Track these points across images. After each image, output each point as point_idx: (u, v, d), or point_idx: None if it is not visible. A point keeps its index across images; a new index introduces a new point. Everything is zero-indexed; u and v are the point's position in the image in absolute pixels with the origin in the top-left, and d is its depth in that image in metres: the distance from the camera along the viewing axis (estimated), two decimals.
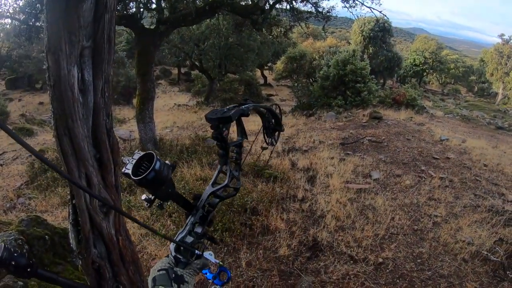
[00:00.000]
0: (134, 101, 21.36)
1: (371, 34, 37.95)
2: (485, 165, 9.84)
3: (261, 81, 39.21)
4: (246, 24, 13.37)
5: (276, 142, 2.53)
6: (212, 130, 1.56)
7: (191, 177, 7.51)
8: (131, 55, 29.29)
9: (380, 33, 37.77)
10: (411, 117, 16.26)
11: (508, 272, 4.87)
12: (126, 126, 17.38)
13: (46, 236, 4.50)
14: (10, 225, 4.64)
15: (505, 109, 36.03)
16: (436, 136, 12.61)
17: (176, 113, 21.17)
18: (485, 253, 5.21)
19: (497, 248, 5.32)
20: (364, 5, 10.63)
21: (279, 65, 35.91)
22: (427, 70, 51.23)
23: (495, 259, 5.09)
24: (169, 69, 43.09)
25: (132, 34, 11.51)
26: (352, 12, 10.71)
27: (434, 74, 54.65)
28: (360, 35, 38.94)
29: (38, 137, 16.25)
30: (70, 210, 3.00)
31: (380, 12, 10.74)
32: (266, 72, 43.86)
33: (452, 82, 56.94)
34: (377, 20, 10.32)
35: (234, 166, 1.80)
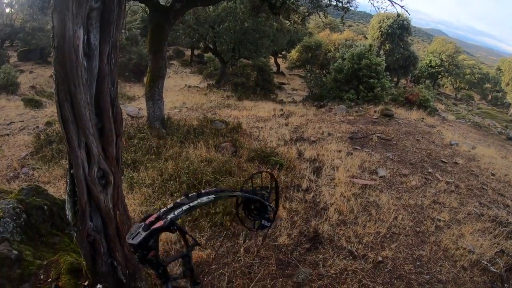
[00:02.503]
0: (145, 79, 21.34)
1: (389, 30, 37.36)
2: (492, 174, 9.66)
3: (274, 68, 38.85)
4: (263, 8, 13.10)
5: (270, 225, 2.39)
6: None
7: (196, 158, 7.43)
8: (145, 34, 29.10)
9: (398, 30, 37.17)
10: (423, 118, 16.03)
11: (506, 285, 4.82)
12: (135, 104, 17.26)
13: (45, 206, 4.47)
14: (11, 193, 4.58)
15: None
16: (446, 139, 12.43)
17: (186, 94, 21.06)
18: (485, 263, 5.14)
19: (497, 260, 5.26)
20: None
21: (294, 53, 35.57)
22: (442, 73, 50.52)
23: (494, 270, 5.03)
24: (182, 50, 42.89)
25: (147, 10, 11.34)
26: (373, 4, 10.40)
27: (449, 78, 53.91)
28: (378, 30, 38.35)
29: (47, 109, 16.23)
30: (68, 180, 2.95)
31: (402, 7, 10.44)
32: (279, 60, 43.48)
33: (466, 88, 56.12)
34: (398, 15, 10.02)
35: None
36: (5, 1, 36.71)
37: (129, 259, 3.36)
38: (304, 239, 5.16)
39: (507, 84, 48.10)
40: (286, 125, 13.06)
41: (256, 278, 4.19)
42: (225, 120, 12.16)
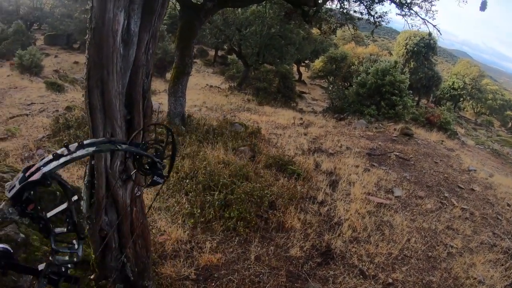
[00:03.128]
0: (168, 75, 21.47)
1: (415, 48, 37.06)
2: (508, 205, 9.41)
3: (296, 76, 38.92)
4: (295, 16, 13.14)
5: (163, 181, 2.21)
6: None
7: (214, 159, 7.46)
8: (171, 30, 29.39)
9: (424, 49, 36.85)
10: (442, 141, 15.82)
11: None
12: (155, 98, 17.36)
13: (58, 192, 4.38)
14: None
15: None
16: (465, 165, 12.21)
17: (207, 93, 21.20)
18: None
19: None
20: (418, 15, 10.27)
21: (317, 63, 35.54)
22: (464, 96, 49.73)
23: None
24: (206, 50, 43.25)
25: (177, 7, 11.45)
26: (407, 21, 10.36)
27: (471, 101, 53.01)
28: (404, 47, 38.07)
29: (68, 94, 16.45)
30: (87, 171, 2.86)
31: (434, 26, 10.38)
32: (302, 69, 43.47)
33: (487, 113, 55.11)
34: (429, 35, 9.92)
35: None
36: None
37: (139, 256, 3.32)
38: (316, 253, 5.15)
39: None
40: (305, 134, 13.07)
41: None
42: (244, 123, 12.21)
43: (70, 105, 12.65)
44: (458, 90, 48.33)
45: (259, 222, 5.48)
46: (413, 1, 10.29)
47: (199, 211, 5.31)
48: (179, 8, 10.58)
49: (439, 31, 10.50)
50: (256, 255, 4.83)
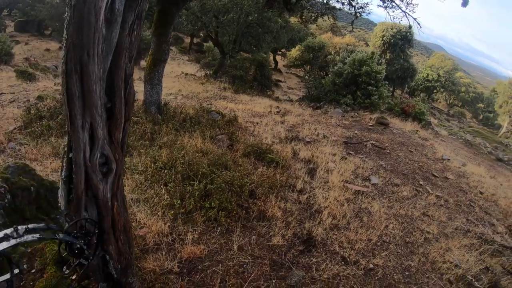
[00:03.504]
0: (142, 62, 20.95)
1: (392, 40, 37.64)
2: (480, 193, 9.88)
3: (272, 65, 38.91)
4: (277, 3, 13.00)
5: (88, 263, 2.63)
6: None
7: (191, 148, 7.36)
8: (147, 16, 28.69)
9: (400, 41, 37.50)
10: (417, 130, 16.21)
11: None
12: None
13: (32, 188, 4.17)
14: None
15: (507, 142, 36.26)
16: (438, 154, 12.60)
17: (182, 81, 20.81)
18: (470, 278, 5.26)
19: (482, 276, 5.39)
20: (399, 7, 10.38)
21: (294, 52, 35.57)
22: (438, 88, 51.20)
23: (478, 286, 5.16)
24: (181, 37, 42.65)
25: None
26: (388, 13, 10.44)
27: (444, 93, 54.68)
28: (381, 39, 38.59)
29: (39, 83, 15.73)
30: (64, 165, 2.68)
31: (415, 19, 10.52)
32: (278, 58, 43.48)
33: (459, 105, 57.00)
34: (409, 27, 10.00)
35: None
36: None
37: (122, 253, 3.16)
38: (298, 241, 5.17)
39: (500, 106, 49.04)
40: (282, 123, 13.05)
41: (250, 278, 4.16)
42: (221, 112, 12.06)
43: (41, 95, 12.05)
44: (432, 82, 49.74)
45: (240, 212, 5.43)
46: None
47: (179, 202, 5.19)
48: None
49: (419, 24, 10.67)
50: (238, 245, 4.79)
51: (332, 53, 32.98)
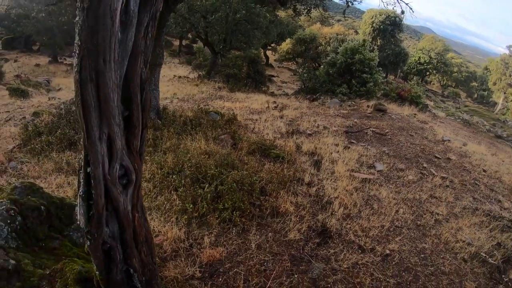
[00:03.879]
0: None
1: (381, 26, 37.87)
2: (484, 171, 10.02)
3: (263, 61, 38.87)
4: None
5: None
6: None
7: (196, 150, 7.36)
8: None
9: (390, 26, 37.71)
10: (415, 114, 16.29)
11: (503, 276, 5.08)
12: None
13: (42, 207, 4.01)
14: (1, 191, 4.06)
15: (504, 119, 36.57)
16: (439, 135, 12.69)
17: (176, 84, 20.76)
18: (484, 255, 5.38)
19: (494, 252, 5.51)
20: None
21: (285, 45, 35.56)
22: (430, 70, 51.43)
23: (492, 262, 5.28)
24: (170, 40, 42.42)
25: None
26: (383, 1, 10.51)
27: (437, 75, 54.92)
28: (370, 26, 38.77)
29: (33, 99, 15.75)
30: (82, 181, 2.55)
31: (407, 4, 10.61)
32: (268, 53, 43.43)
33: (453, 86, 57.24)
34: (402, 12, 9.97)
35: None
36: None
37: (145, 264, 3.08)
38: (313, 233, 5.23)
39: (494, 84, 49.40)
40: (281, 117, 13.08)
41: (272, 275, 4.20)
42: (219, 111, 12.07)
43: (37, 111, 12.01)
44: (424, 64, 49.99)
45: (254, 210, 5.48)
46: None
47: (191, 206, 5.21)
48: None
49: (411, 9, 10.76)
50: (256, 243, 4.84)
51: (323, 43, 33.06)
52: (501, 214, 7.12)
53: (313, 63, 29.40)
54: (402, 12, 10.62)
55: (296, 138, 10.14)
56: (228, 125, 10.17)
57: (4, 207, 3.71)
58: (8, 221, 3.63)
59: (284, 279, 4.22)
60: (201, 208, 5.20)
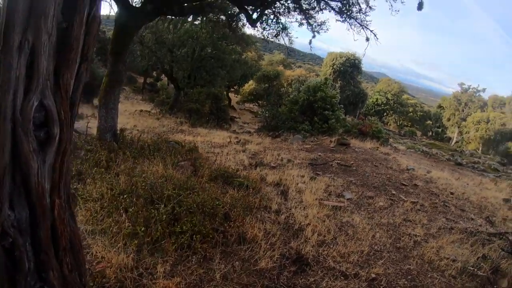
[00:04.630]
0: (95, 101, 19.94)
1: (342, 68, 39.34)
2: (451, 193, 10.17)
3: (226, 102, 38.93)
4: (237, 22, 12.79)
5: None
6: None
7: (152, 175, 6.47)
8: (100, 52, 27.60)
9: (350, 68, 39.25)
10: (377, 147, 16.39)
11: (495, 286, 4.97)
12: (83, 122, 15.83)
13: None
14: None
15: (461, 149, 38.32)
16: (403, 165, 12.73)
17: (137, 117, 19.91)
18: (471, 269, 5.24)
19: (482, 264, 5.44)
20: (357, 22, 10.55)
21: (247, 87, 35.95)
22: (387, 111, 53.80)
23: (482, 274, 5.18)
24: (135, 77, 41.72)
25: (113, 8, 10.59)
26: (349, 23, 10.65)
27: (393, 115, 57.39)
28: (331, 68, 40.20)
29: None
30: None
31: (371, 31, 10.75)
32: (231, 95, 43.67)
33: (409, 125, 59.81)
34: (367, 39, 10.03)
35: None
36: None
37: (69, 283, 2.13)
38: (288, 261, 4.51)
39: (448, 119, 52.45)
40: (243, 151, 12.60)
41: None
42: (180, 142, 11.43)
43: None
44: (382, 105, 52.42)
45: (217, 236, 4.68)
46: (350, 13, 10.63)
47: (143, 229, 4.32)
48: (116, 10, 9.61)
49: (375, 35, 10.92)
50: (221, 273, 4.01)
51: (285, 85, 33.65)
52: (478, 229, 7.17)
53: (276, 102, 29.59)
54: (367, 39, 10.74)
55: (260, 170, 9.59)
56: (189, 154, 9.44)
57: None
58: None
59: None
60: (154, 231, 4.32)
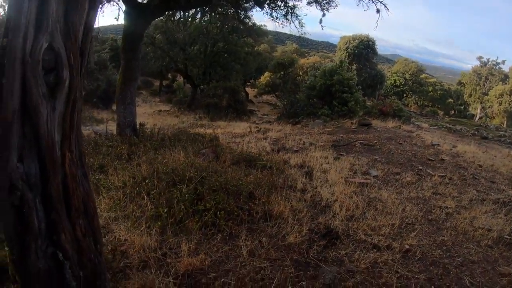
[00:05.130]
0: (114, 106, 20.33)
1: (356, 51, 38.44)
2: (480, 166, 9.78)
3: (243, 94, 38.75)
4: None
5: None
6: None
7: (174, 162, 6.31)
8: (113, 60, 28.01)
9: (364, 50, 38.34)
10: (399, 126, 15.93)
11: None
12: (103, 126, 16.08)
13: None
14: None
15: (486, 124, 37.07)
16: (427, 141, 12.32)
17: (157, 117, 20.17)
18: (508, 237, 4.94)
19: None
20: None
21: (263, 78, 35.67)
22: (407, 92, 52.34)
23: None
24: (150, 80, 42.16)
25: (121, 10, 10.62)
26: (358, 2, 10.29)
27: (413, 96, 55.86)
28: (345, 51, 39.32)
29: None
30: None
31: (381, 2, 10.33)
32: (247, 90, 43.47)
33: (430, 105, 58.12)
34: (377, 11, 9.59)
35: None
36: None
37: (84, 249, 1.99)
38: (317, 236, 4.32)
39: (470, 95, 50.51)
40: (265, 139, 12.58)
41: (273, 284, 3.27)
42: (201, 133, 11.42)
43: None
44: (400, 86, 50.91)
45: (242, 214, 4.54)
46: None
47: (166, 210, 4.21)
48: (124, 9, 9.63)
49: (385, 6, 10.51)
50: (248, 249, 3.86)
51: (301, 73, 33.19)
52: (511, 199, 6.82)
53: (292, 89, 29.20)
54: (378, 11, 10.33)
55: (283, 154, 9.47)
56: (210, 143, 9.35)
57: None
58: None
59: (290, 287, 3.29)
60: (177, 212, 4.20)
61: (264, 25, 20.14)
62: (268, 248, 3.89)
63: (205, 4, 11.78)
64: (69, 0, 1.76)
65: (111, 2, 10.96)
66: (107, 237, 3.81)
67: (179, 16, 18.08)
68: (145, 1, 10.09)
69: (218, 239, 4.02)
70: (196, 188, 4.66)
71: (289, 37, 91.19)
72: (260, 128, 15.65)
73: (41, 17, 1.65)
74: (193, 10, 19.24)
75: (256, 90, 40.62)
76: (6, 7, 1.44)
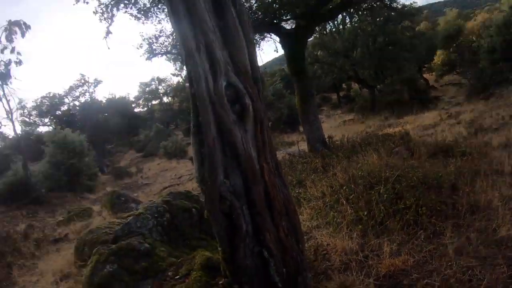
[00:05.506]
0: (301, 128, 21.87)
1: None
2: None
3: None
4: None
5: None
6: None
7: (368, 165, 6.28)
8: (287, 87, 30.03)
9: None
10: None
11: None
12: (294, 147, 17.47)
13: (194, 209, 4.33)
14: (160, 196, 4.73)
15: None
16: None
17: (343, 128, 20.40)
18: None
19: None
20: None
21: (437, 59, 32.21)
22: None
23: None
24: (328, 96, 43.02)
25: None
26: None
27: None
28: None
29: None
30: (193, 121, 2.25)
31: None
32: (426, 76, 39.71)
33: None
34: None
35: None
36: (161, 91, 46.67)
37: (286, 249, 2.22)
38: None
39: None
40: (458, 123, 11.72)
41: (482, 286, 2.93)
42: (390, 133, 11.27)
43: None
44: None
45: (445, 208, 4.27)
46: None
47: (365, 213, 4.30)
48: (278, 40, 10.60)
49: None
50: (454, 247, 3.54)
51: (474, 39, 28.57)
52: None
53: (471, 59, 25.27)
54: None
55: (482, 136, 8.56)
56: (401, 140, 9.18)
57: (155, 204, 4.24)
58: (156, 215, 4.04)
59: None
60: (377, 213, 4.23)
61: (414, 2, 18.55)
62: (476, 245, 3.52)
63: (346, 7, 11.81)
64: (229, 45, 2.21)
65: (265, 39, 12.04)
66: (309, 242, 4.14)
67: (329, 27, 18.34)
68: (292, 27, 10.71)
69: (422, 238, 3.86)
70: (394, 187, 4.60)
71: (445, 4, 79.91)
72: (451, 113, 14.91)
73: (213, 63, 2.14)
74: (340, 16, 19.28)
75: (433, 74, 36.80)
76: (184, 68, 2.08)
